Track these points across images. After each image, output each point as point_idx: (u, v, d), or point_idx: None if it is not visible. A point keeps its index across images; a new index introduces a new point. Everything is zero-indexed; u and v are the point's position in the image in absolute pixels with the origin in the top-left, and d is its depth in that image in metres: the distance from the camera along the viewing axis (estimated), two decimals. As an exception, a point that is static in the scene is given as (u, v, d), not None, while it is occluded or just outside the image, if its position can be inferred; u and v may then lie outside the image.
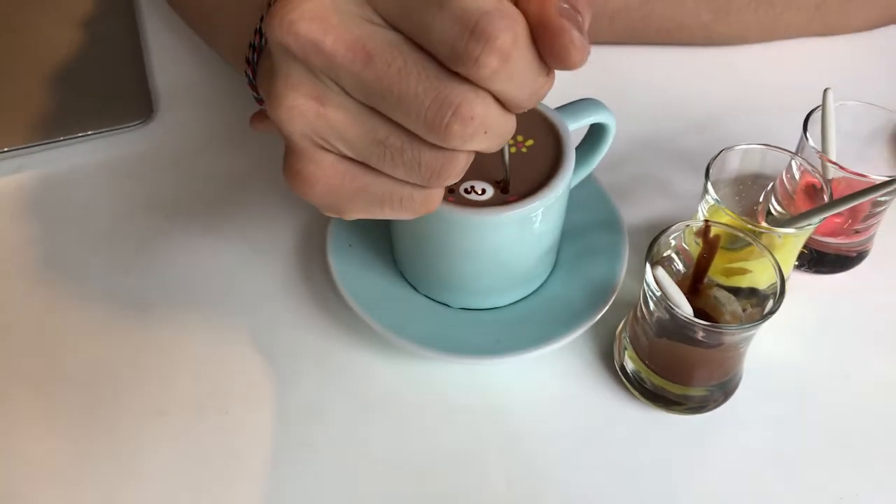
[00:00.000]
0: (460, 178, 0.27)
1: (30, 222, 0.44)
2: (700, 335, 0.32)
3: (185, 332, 0.39)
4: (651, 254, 0.33)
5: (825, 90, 0.36)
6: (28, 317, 0.40)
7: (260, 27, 0.33)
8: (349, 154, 0.27)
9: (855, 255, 0.42)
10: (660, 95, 0.52)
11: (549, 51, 0.24)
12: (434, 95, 0.24)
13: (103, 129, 0.48)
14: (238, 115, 0.50)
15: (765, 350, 0.38)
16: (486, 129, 0.25)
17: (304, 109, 0.25)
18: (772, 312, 0.31)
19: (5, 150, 0.46)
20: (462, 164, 0.27)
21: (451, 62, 0.23)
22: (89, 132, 0.47)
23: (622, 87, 0.52)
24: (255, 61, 0.34)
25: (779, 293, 0.32)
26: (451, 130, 0.24)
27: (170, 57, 0.53)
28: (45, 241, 0.43)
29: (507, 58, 0.23)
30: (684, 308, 0.31)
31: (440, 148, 0.26)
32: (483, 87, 0.24)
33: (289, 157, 0.27)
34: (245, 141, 0.48)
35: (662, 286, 0.31)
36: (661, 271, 0.31)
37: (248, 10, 0.35)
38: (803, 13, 0.52)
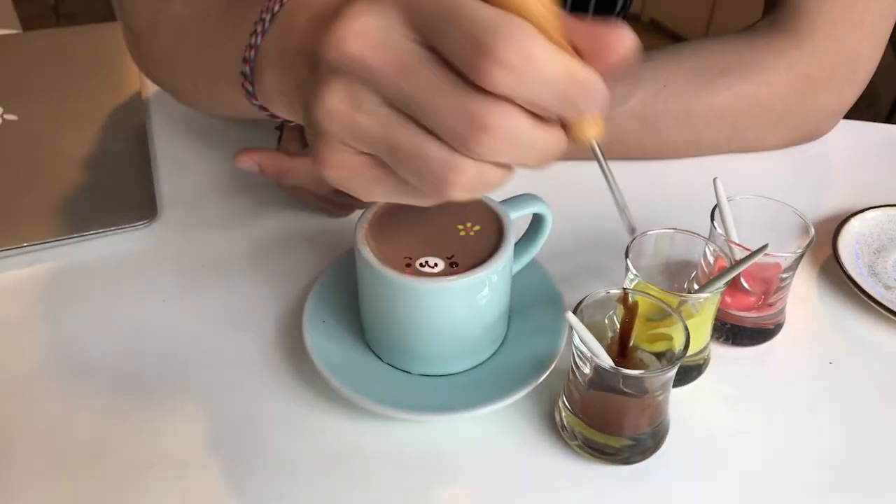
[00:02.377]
0: (464, 190, 0.30)
1: (43, 307, 0.50)
2: (620, 382, 0.37)
3: (174, 397, 0.44)
4: (575, 313, 0.38)
5: (714, 179, 0.43)
6: (37, 386, 0.45)
7: (252, 42, 0.39)
8: (369, 151, 0.31)
9: (772, 326, 0.47)
10: (603, 200, 0.59)
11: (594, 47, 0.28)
12: (459, 105, 0.28)
13: (113, 228, 0.54)
14: (229, 219, 0.57)
15: (690, 412, 0.43)
16: (510, 139, 0.28)
17: (339, 112, 0.30)
18: (678, 359, 0.37)
19: (24, 244, 0.53)
20: (468, 175, 0.29)
21: (469, 73, 0.27)
22: (100, 230, 0.54)
23: (569, 194, 0.59)
24: (250, 73, 0.40)
25: (684, 345, 0.37)
26: (475, 138, 0.28)
27: (173, 170, 0.61)
28: (55, 322, 0.49)
29: (527, 59, 0.26)
30: (601, 356, 0.37)
31: (445, 159, 0.29)
32: (501, 94, 0.27)
33: (319, 146, 0.31)
34: (234, 238, 0.55)
35: (576, 329, 0.37)
36: (571, 315, 0.36)
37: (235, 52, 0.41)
38: (721, 132, 0.60)
